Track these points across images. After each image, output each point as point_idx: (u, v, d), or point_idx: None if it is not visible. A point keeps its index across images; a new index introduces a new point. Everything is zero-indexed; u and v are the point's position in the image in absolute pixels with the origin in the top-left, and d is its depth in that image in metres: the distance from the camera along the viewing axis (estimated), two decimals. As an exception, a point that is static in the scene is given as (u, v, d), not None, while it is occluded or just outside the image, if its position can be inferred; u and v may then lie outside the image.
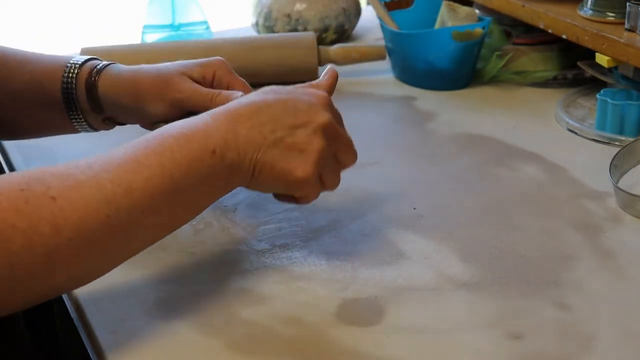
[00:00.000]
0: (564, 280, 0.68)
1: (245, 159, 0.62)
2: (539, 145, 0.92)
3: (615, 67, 0.96)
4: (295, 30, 1.24)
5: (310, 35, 1.11)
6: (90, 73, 0.78)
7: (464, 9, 1.11)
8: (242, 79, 0.79)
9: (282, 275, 0.69)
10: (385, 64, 1.16)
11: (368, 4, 1.30)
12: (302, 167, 0.63)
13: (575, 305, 0.65)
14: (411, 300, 0.66)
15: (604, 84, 1.01)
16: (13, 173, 0.58)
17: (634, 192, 0.78)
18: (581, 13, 1.00)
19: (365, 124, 1.00)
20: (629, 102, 0.92)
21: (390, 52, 1.13)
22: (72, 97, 0.79)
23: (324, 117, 0.65)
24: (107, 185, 0.57)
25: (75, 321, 0.68)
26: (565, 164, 0.88)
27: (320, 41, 1.26)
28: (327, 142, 0.64)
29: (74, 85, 0.79)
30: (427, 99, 1.07)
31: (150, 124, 0.79)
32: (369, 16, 1.33)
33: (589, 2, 0.98)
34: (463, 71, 1.09)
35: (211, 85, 0.78)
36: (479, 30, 1.07)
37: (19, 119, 0.82)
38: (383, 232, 0.75)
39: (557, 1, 1.04)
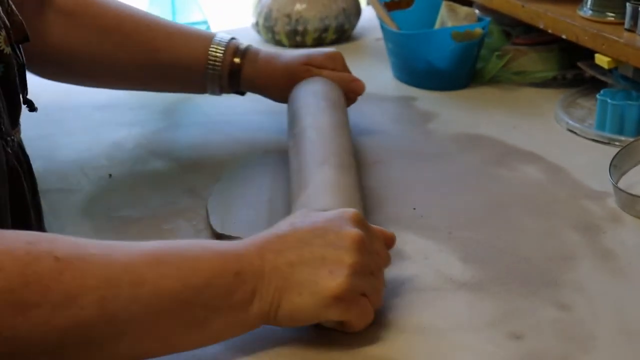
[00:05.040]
0: (564, 280, 0.68)
1: (269, 287, 0.56)
2: (539, 146, 0.93)
3: (615, 67, 0.96)
4: (295, 30, 1.25)
5: None
6: (233, 55, 0.90)
7: (463, 9, 1.11)
8: (350, 72, 0.94)
9: (282, 275, 0.69)
10: (385, 64, 1.16)
11: (368, 4, 1.31)
12: (333, 280, 0.56)
13: (575, 305, 0.65)
14: (411, 300, 0.66)
15: (603, 84, 1.01)
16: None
17: (633, 192, 0.78)
18: (581, 13, 1.00)
19: (365, 124, 1.00)
20: (629, 102, 0.92)
21: (390, 52, 1.13)
22: (216, 76, 0.90)
23: (353, 232, 0.59)
24: (117, 268, 0.52)
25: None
26: (565, 164, 0.88)
27: (320, 41, 1.27)
28: (360, 256, 0.58)
29: (218, 66, 0.90)
30: (427, 99, 1.07)
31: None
32: (369, 16, 1.33)
33: (589, 2, 0.99)
34: (463, 71, 1.09)
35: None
36: (478, 30, 1.07)
37: (159, 84, 0.94)
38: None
39: (557, 1, 1.04)
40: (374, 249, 0.61)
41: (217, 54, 0.90)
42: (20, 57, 0.66)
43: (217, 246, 0.57)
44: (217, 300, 0.55)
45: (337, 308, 0.57)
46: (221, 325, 0.56)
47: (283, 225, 0.60)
